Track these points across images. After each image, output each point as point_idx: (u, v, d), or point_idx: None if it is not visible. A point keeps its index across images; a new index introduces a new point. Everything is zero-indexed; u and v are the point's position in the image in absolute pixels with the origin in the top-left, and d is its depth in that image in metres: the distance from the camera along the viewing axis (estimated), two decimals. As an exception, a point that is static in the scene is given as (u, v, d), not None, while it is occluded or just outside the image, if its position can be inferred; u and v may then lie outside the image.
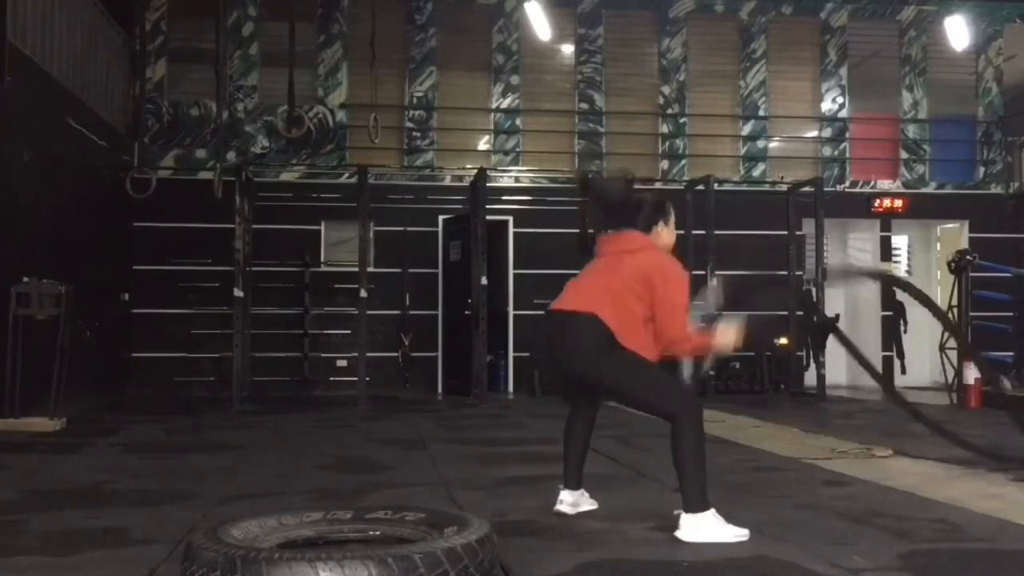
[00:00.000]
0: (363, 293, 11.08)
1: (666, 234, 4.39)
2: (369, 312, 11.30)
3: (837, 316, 13.59)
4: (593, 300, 4.12)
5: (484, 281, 11.71)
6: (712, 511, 3.93)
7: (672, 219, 4.43)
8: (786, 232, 12.89)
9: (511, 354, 13.36)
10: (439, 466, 6.19)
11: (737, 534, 3.91)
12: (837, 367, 14.22)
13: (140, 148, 11.53)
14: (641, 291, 4.09)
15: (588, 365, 4.09)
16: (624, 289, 4.10)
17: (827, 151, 14.68)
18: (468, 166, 13.10)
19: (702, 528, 3.89)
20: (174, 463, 6.41)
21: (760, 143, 14.50)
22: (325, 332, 13.19)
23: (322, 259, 13.33)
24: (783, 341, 13.08)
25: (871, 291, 14.63)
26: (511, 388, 13.25)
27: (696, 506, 3.92)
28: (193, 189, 12.36)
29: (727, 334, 4.15)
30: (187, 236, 12.69)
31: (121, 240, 12.42)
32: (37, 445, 7.17)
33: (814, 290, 13.01)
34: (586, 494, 4.52)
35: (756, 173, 14.35)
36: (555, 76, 14.26)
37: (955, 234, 14.81)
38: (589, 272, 4.34)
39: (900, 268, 15.14)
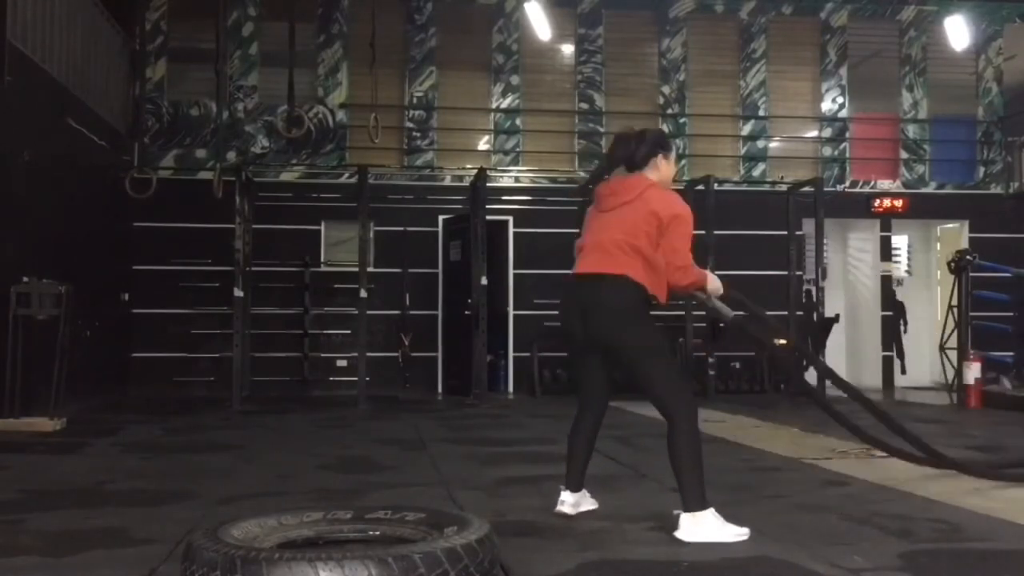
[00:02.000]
0: (363, 293, 11.08)
1: (665, 167, 4.38)
2: (369, 312, 11.31)
3: (837, 316, 13.62)
4: (620, 260, 4.14)
5: (484, 281, 11.71)
6: (711, 510, 3.93)
7: (672, 153, 4.44)
8: (786, 232, 12.89)
9: (511, 354, 13.36)
10: (439, 466, 6.19)
11: (737, 533, 3.91)
12: (837, 367, 14.21)
13: (140, 148, 11.53)
14: (652, 231, 4.13)
15: (619, 328, 4.12)
16: (638, 234, 4.13)
17: (827, 151, 14.68)
18: (468, 166, 13.10)
19: (701, 527, 3.89)
20: (174, 463, 6.42)
21: (760, 143, 14.50)
22: (325, 332, 13.19)
23: (322, 259, 13.33)
24: (783, 341, 13.05)
25: (870, 291, 14.64)
26: (511, 388, 13.24)
27: (695, 505, 3.92)
28: (193, 189, 12.37)
29: (714, 280, 4.30)
30: (187, 236, 12.69)
31: (121, 240, 12.41)
32: (37, 445, 7.17)
33: (814, 290, 13.02)
34: (587, 495, 4.52)
35: (756, 173, 14.35)
36: (555, 76, 14.26)
37: (955, 234, 14.81)
38: (599, 228, 4.30)
39: (900, 268, 15.14)
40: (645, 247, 4.13)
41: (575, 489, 4.46)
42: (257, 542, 3.06)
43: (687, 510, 3.94)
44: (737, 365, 13.17)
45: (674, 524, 3.97)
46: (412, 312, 13.22)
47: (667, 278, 4.18)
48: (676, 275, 4.17)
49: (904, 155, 14.81)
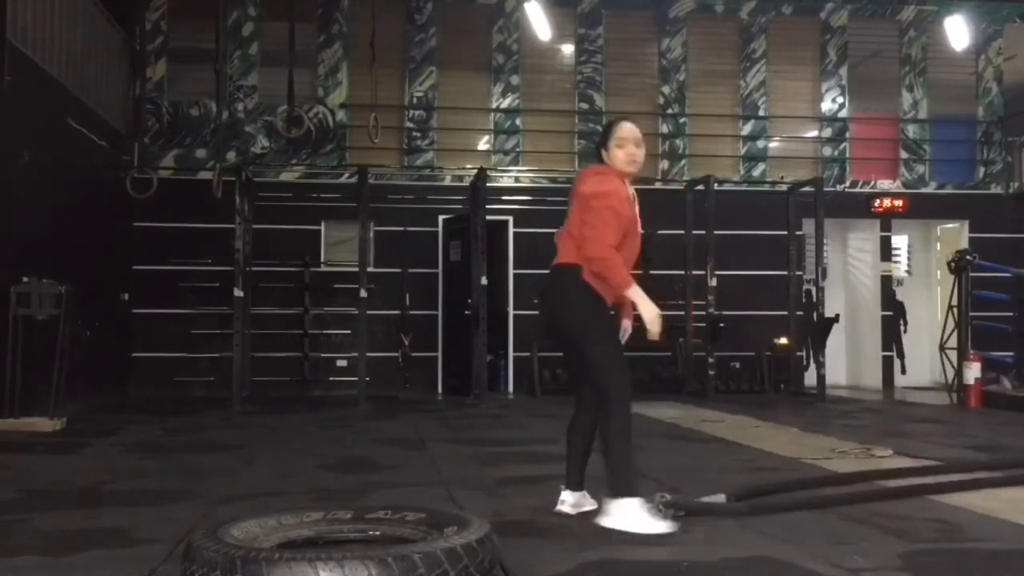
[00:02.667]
0: (363, 293, 11.08)
1: (607, 156, 4.41)
2: (369, 312, 11.30)
3: (837, 316, 13.62)
4: (567, 249, 4.29)
5: (484, 281, 11.71)
6: (638, 500, 3.94)
7: (616, 136, 4.40)
8: (786, 232, 12.89)
9: (511, 354, 13.36)
10: (439, 466, 6.19)
11: (663, 527, 3.95)
12: (837, 367, 14.23)
13: (140, 148, 11.52)
14: (581, 212, 4.24)
15: (565, 314, 4.26)
16: (573, 220, 4.28)
17: (827, 151, 14.68)
18: (468, 166, 13.10)
19: (627, 515, 3.91)
20: (174, 463, 6.41)
21: (760, 143, 14.49)
22: (325, 332, 13.19)
23: (322, 259, 13.33)
24: (783, 341, 13.08)
25: (870, 291, 14.65)
26: (511, 388, 13.24)
27: (623, 491, 3.93)
28: (193, 189, 12.36)
29: (653, 312, 4.13)
30: (187, 236, 12.69)
31: (121, 240, 12.41)
32: (37, 445, 7.17)
33: (814, 290, 13.02)
34: (587, 495, 4.51)
35: (756, 173, 14.35)
36: (555, 76, 14.26)
37: (955, 234, 14.81)
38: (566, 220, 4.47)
39: (900, 268, 15.14)
40: (577, 232, 4.23)
41: (575, 488, 4.46)
42: (257, 542, 3.07)
43: (615, 495, 3.95)
44: (737, 365, 13.17)
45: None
46: (412, 312, 13.22)
47: (591, 263, 4.13)
48: (595, 263, 4.10)
49: (904, 155, 14.81)
